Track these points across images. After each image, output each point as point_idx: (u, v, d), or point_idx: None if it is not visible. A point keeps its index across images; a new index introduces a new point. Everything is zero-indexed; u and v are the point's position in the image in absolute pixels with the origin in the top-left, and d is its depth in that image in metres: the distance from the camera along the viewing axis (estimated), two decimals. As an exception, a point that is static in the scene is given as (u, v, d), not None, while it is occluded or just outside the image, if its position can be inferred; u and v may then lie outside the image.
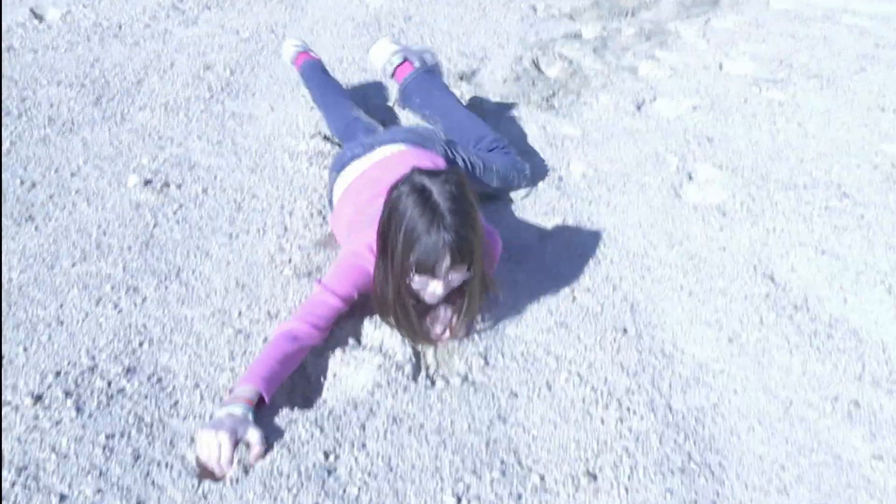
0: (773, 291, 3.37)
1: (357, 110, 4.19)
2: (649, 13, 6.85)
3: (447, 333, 2.95)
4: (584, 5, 6.89)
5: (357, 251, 2.92)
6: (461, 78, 5.18)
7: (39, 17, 5.86)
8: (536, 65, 5.59)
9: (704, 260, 3.56)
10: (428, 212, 2.63)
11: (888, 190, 4.12)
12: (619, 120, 4.83)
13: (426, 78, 4.40)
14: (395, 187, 2.73)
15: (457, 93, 4.89)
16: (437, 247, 2.63)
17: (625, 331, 3.11)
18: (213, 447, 2.37)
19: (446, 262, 2.66)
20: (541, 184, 4.05)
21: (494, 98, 4.91)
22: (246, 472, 2.38)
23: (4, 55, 5.13)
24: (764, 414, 2.79)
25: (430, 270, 2.68)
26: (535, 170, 4.15)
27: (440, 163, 3.49)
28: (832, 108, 5.09)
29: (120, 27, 5.70)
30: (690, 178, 4.23)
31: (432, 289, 2.79)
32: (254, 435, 2.44)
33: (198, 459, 2.41)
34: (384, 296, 2.82)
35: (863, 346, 3.12)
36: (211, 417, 2.57)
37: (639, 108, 5.02)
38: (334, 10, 6.28)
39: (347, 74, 5.15)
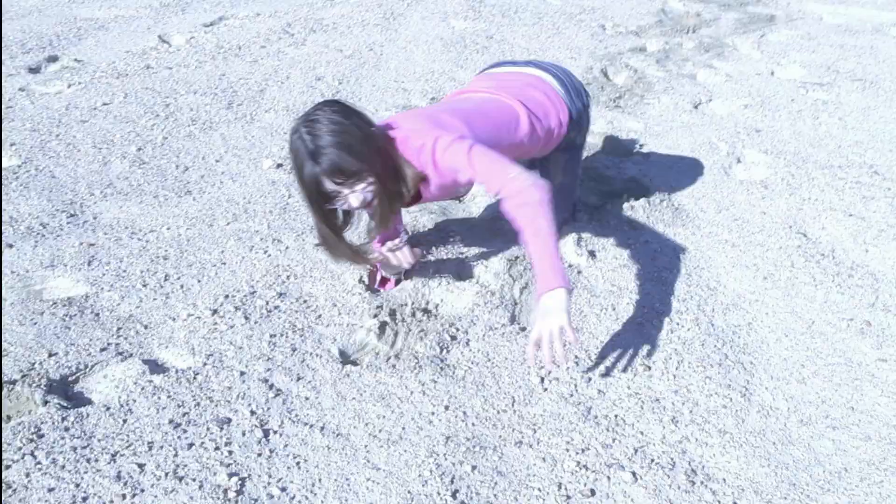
0: (804, 244, 4.03)
1: None
2: (709, 30, 7.54)
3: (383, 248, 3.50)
4: (648, 23, 7.59)
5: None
6: (538, 84, 5.91)
7: (167, 42, 6.73)
8: (605, 73, 6.31)
9: (747, 221, 4.23)
10: (302, 149, 2.96)
11: (914, 168, 4.75)
12: (678, 116, 5.52)
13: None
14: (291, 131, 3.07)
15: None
16: (315, 176, 2.97)
17: (677, 270, 3.80)
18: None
19: (329, 185, 3.00)
20: (606, 164, 4.75)
21: (568, 99, 5.62)
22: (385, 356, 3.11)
23: (144, 72, 5.99)
24: (790, 329, 3.45)
25: (325, 196, 3.05)
26: (600, 155, 4.86)
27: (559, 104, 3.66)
28: (872, 106, 5.72)
29: (239, 48, 6.55)
30: (739, 160, 4.90)
31: (351, 201, 3.08)
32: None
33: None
34: (317, 218, 3.22)
35: (878, 284, 3.75)
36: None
37: (696, 107, 5.71)
38: (424, 31, 7.08)
39: (439, 83, 5.91)
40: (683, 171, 4.70)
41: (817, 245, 4.00)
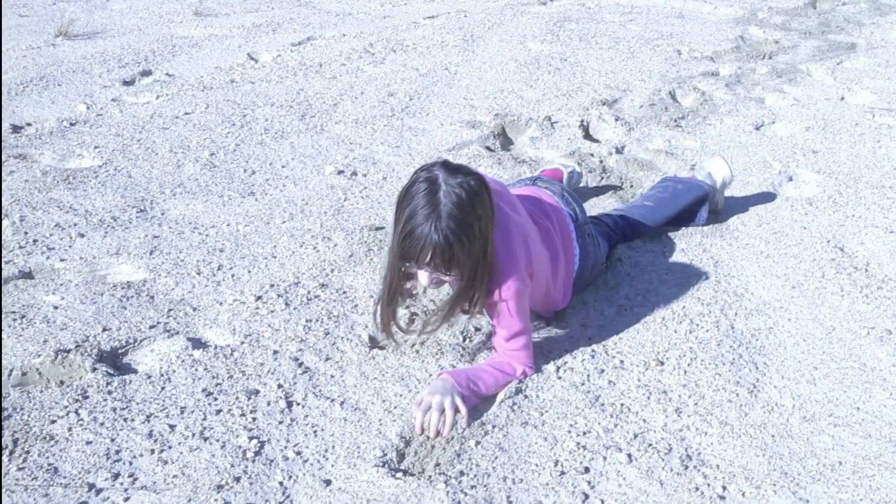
0: (839, 257, 4.13)
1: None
2: (786, 56, 7.62)
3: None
4: (725, 49, 7.71)
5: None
6: (603, 104, 6.09)
7: (255, 59, 7.10)
8: (672, 95, 6.45)
9: (786, 234, 4.34)
10: (428, 206, 2.79)
11: (965, 190, 4.80)
12: (737, 136, 5.64)
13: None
14: (418, 170, 2.93)
15: (595, 113, 5.81)
16: (422, 240, 2.79)
17: (706, 277, 3.94)
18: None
19: (426, 257, 2.81)
20: (657, 180, 4.90)
21: (629, 119, 5.79)
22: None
23: (228, 86, 6.34)
24: (809, 335, 3.56)
25: (413, 258, 2.85)
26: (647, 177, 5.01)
27: (551, 201, 3.63)
28: (937, 131, 5.76)
29: (321, 65, 6.88)
30: (790, 179, 5.01)
31: (420, 276, 2.96)
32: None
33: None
34: (387, 263, 3.08)
35: (907, 297, 3.84)
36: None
37: (757, 128, 5.82)
38: (500, 53, 7.32)
39: (507, 101, 6.13)
40: (732, 187, 4.82)
41: (852, 259, 4.10)
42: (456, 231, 2.78)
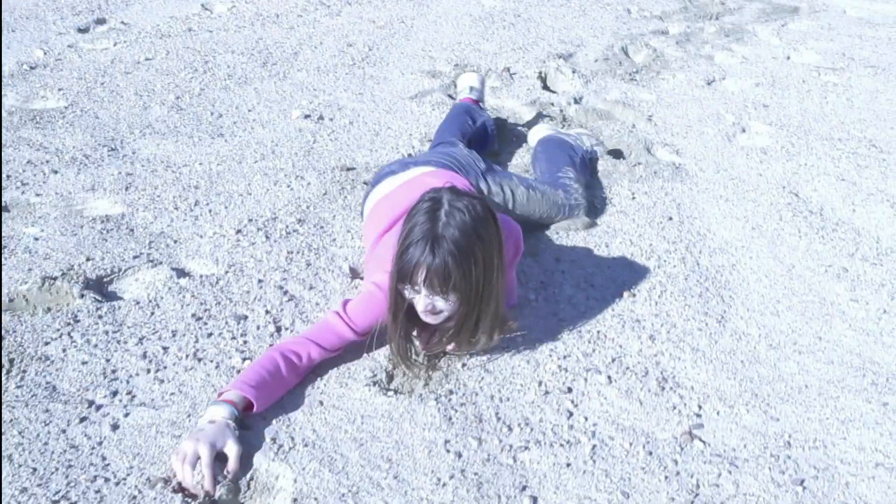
0: (794, 202, 4.28)
1: (457, 144, 4.10)
2: (732, 17, 7.78)
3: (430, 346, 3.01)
4: (673, 9, 7.85)
5: (381, 283, 2.86)
6: (559, 57, 6.19)
7: (209, 10, 7.09)
8: (625, 51, 6.58)
9: (743, 180, 4.49)
10: (427, 226, 2.62)
11: (911, 143, 5.00)
12: (690, 91, 5.79)
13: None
14: (424, 192, 2.75)
15: (552, 65, 5.92)
16: (416, 260, 2.61)
17: (670, 218, 4.07)
18: (188, 460, 2.40)
19: (420, 277, 2.62)
20: (616, 129, 5.03)
21: (585, 72, 5.91)
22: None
23: (186, 34, 6.34)
24: (770, 271, 3.71)
25: (406, 279, 2.66)
26: (609, 130, 5.14)
27: (467, 187, 3.33)
28: (880, 89, 5.96)
29: (277, 16, 6.90)
30: (743, 130, 5.16)
31: (416, 301, 2.74)
32: (231, 449, 2.45)
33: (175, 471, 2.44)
34: (390, 292, 2.78)
35: (860, 238, 4.00)
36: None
37: (709, 83, 5.97)
38: (455, 7, 7.39)
39: (465, 54, 6.21)
40: (688, 137, 4.97)
41: (807, 203, 4.26)
42: (454, 252, 2.59)
